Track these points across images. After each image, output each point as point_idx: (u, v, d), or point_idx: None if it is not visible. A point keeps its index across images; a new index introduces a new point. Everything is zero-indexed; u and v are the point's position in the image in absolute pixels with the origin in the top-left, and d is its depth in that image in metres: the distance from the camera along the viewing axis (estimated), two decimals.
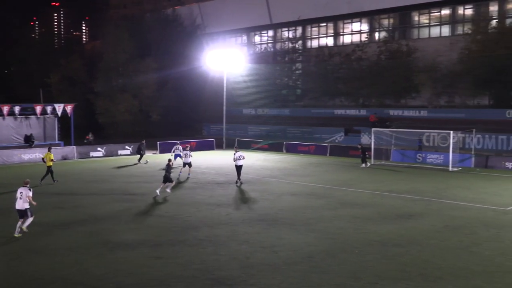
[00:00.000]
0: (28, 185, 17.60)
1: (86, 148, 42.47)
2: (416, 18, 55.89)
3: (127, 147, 43.97)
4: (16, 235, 17.17)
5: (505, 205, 22.99)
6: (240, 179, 28.37)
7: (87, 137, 46.16)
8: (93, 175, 31.73)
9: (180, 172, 31.06)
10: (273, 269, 14.08)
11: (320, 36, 63.94)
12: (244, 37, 72.39)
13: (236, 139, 51.32)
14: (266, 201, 23.70)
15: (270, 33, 69.29)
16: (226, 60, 50.29)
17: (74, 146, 41.85)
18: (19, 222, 17.30)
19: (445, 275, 13.64)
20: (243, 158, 28.32)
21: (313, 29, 64.56)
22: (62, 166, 36.36)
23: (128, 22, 67.75)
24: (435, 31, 54.25)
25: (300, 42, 63.84)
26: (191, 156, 31.16)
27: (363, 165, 36.86)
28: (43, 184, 27.56)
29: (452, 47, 49.69)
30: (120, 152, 43.27)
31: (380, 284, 13.01)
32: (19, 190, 17.40)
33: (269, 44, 68.80)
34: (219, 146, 49.51)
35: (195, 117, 63.69)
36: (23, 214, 17.27)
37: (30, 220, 17.48)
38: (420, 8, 54.41)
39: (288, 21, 63.41)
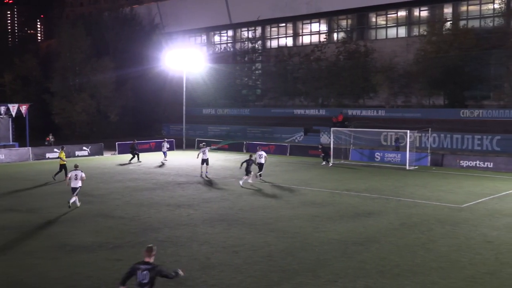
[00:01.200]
0: (79, 168, 22.06)
1: (42, 149, 41.40)
2: (374, 19, 56.73)
3: (84, 148, 43.21)
4: (71, 203, 21.54)
5: (460, 202, 23.59)
6: (260, 174, 30.24)
7: (47, 138, 44.98)
8: (49, 177, 30.94)
9: (203, 171, 31.74)
10: (233, 269, 14.07)
11: (279, 36, 64.23)
12: (204, 37, 72.07)
13: (196, 139, 51.08)
14: (227, 201, 23.67)
15: (230, 33, 69.17)
16: (185, 60, 50.00)
17: (30, 147, 40.82)
18: (74, 197, 21.57)
19: (403, 272, 13.90)
20: (264, 156, 30.42)
21: (273, 29, 64.80)
22: (17, 168, 35.50)
23: (85, 20, 66.65)
24: (391, 32, 55.20)
25: (259, 42, 63.99)
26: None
27: (324, 163, 37.36)
28: (56, 179, 29.02)
29: (408, 48, 50.68)
30: (77, 153, 42.42)
31: (339, 281, 13.15)
32: (74, 173, 21.64)
33: (229, 44, 68.67)
34: (179, 147, 49.17)
35: (154, 117, 63.16)
36: (77, 190, 21.61)
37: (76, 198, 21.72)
38: (377, 9, 55.25)
39: (248, 21, 63.47)
